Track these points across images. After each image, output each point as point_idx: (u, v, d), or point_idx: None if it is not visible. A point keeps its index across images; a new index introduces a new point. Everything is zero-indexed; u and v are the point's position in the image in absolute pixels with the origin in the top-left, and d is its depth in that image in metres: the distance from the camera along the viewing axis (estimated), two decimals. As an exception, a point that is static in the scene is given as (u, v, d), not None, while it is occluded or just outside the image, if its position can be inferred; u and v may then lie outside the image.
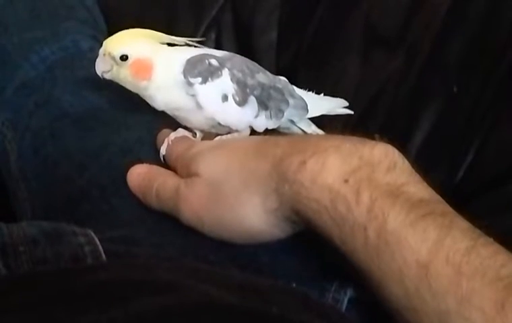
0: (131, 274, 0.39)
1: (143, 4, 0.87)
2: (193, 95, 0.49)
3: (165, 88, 0.50)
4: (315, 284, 0.49)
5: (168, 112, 0.52)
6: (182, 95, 0.50)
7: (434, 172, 0.67)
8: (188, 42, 0.52)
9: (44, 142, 0.62)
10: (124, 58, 0.49)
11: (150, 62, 0.50)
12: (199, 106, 0.50)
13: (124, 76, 0.50)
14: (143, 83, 0.50)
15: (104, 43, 0.50)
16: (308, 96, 0.55)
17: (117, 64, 0.50)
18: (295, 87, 0.55)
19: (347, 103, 0.58)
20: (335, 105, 0.57)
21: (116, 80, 0.51)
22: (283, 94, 0.52)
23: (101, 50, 0.50)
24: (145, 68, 0.50)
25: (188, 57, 0.50)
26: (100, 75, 0.51)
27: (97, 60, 0.51)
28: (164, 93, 0.50)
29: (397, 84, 0.76)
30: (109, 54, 0.50)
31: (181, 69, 0.49)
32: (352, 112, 0.58)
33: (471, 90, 0.71)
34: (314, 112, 0.55)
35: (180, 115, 0.52)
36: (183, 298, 0.35)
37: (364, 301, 0.47)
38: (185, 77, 0.49)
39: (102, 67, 0.51)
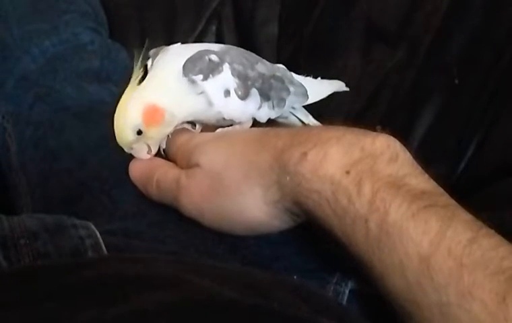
0: (132, 269, 0.38)
1: (143, -3, 0.87)
2: (202, 93, 0.49)
3: (178, 104, 0.49)
4: (316, 277, 0.48)
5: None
6: (194, 98, 0.49)
7: (435, 165, 0.67)
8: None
9: (45, 135, 0.62)
10: (139, 132, 0.48)
11: (153, 103, 0.48)
12: (209, 103, 0.49)
13: (156, 134, 0.49)
14: (167, 119, 0.48)
15: (117, 140, 0.48)
16: (307, 81, 0.55)
17: (140, 138, 0.48)
18: (293, 74, 0.54)
19: (345, 87, 0.57)
20: (334, 88, 0.57)
21: (157, 143, 0.50)
22: (283, 82, 0.52)
23: (125, 149, 0.49)
24: (155, 112, 0.48)
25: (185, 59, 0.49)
26: (148, 156, 0.50)
27: (133, 154, 0.49)
28: (180, 108, 0.49)
29: (398, 78, 0.76)
30: (129, 143, 0.48)
31: (182, 71, 0.48)
32: (347, 89, 0.57)
33: (472, 84, 0.71)
34: (315, 96, 0.55)
35: (196, 119, 0.51)
36: (184, 293, 0.35)
37: (365, 293, 0.47)
38: (186, 75, 0.48)
39: (142, 152, 0.49)
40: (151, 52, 0.52)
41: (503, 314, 0.35)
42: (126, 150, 0.49)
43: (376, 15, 0.79)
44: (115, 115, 0.48)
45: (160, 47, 0.52)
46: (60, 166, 0.60)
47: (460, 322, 0.36)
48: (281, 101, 0.52)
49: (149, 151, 0.50)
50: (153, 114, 0.48)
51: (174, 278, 0.37)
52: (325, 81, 0.57)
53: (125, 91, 0.49)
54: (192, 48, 0.50)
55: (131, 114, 0.48)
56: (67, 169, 0.60)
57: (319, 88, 0.56)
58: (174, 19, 0.84)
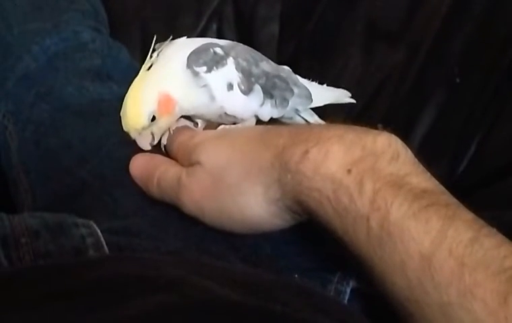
0: (134, 271, 0.38)
1: (144, -5, 0.87)
2: (205, 86, 0.49)
3: (185, 96, 0.49)
4: (317, 276, 0.49)
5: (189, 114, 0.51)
6: (196, 90, 0.49)
7: (436, 165, 0.67)
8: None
9: (45, 133, 0.62)
10: (152, 118, 0.48)
11: (167, 92, 0.48)
12: (211, 97, 0.49)
13: (164, 123, 0.49)
14: (176, 110, 0.49)
15: (126, 125, 0.48)
16: (312, 86, 0.55)
17: (151, 125, 0.49)
18: (298, 77, 0.55)
19: (350, 95, 0.58)
20: (339, 96, 0.57)
21: (161, 133, 0.50)
22: (287, 83, 0.52)
23: (132, 134, 0.49)
24: (169, 101, 0.48)
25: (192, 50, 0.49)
26: (150, 147, 0.50)
27: (137, 141, 0.50)
28: (186, 100, 0.49)
29: (399, 77, 0.76)
30: (142, 128, 0.48)
31: (186, 63, 0.49)
32: (354, 101, 0.58)
33: (473, 83, 0.71)
34: (318, 101, 0.55)
35: (197, 112, 0.51)
36: (186, 295, 0.35)
37: (367, 292, 0.47)
38: (190, 67, 0.48)
39: (146, 142, 0.50)
40: (157, 45, 0.52)
41: (504, 314, 0.35)
42: (132, 136, 0.49)
43: (377, 15, 0.79)
44: (128, 99, 0.48)
45: (165, 42, 0.52)
46: (61, 164, 0.60)
47: (461, 322, 0.36)
48: (284, 101, 0.52)
49: (152, 141, 0.50)
50: (167, 102, 0.48)
51: (176, 280, 0.37)
52: (330, 88, 0.57)
53: (136, 79, 0.49)
54: (198, 42, 0.50)
55: (147, 100, 0.48)
56: (67, 168, 0.59)
57: (323, 94, 0.56)
58: (175, 17, 0.84)
